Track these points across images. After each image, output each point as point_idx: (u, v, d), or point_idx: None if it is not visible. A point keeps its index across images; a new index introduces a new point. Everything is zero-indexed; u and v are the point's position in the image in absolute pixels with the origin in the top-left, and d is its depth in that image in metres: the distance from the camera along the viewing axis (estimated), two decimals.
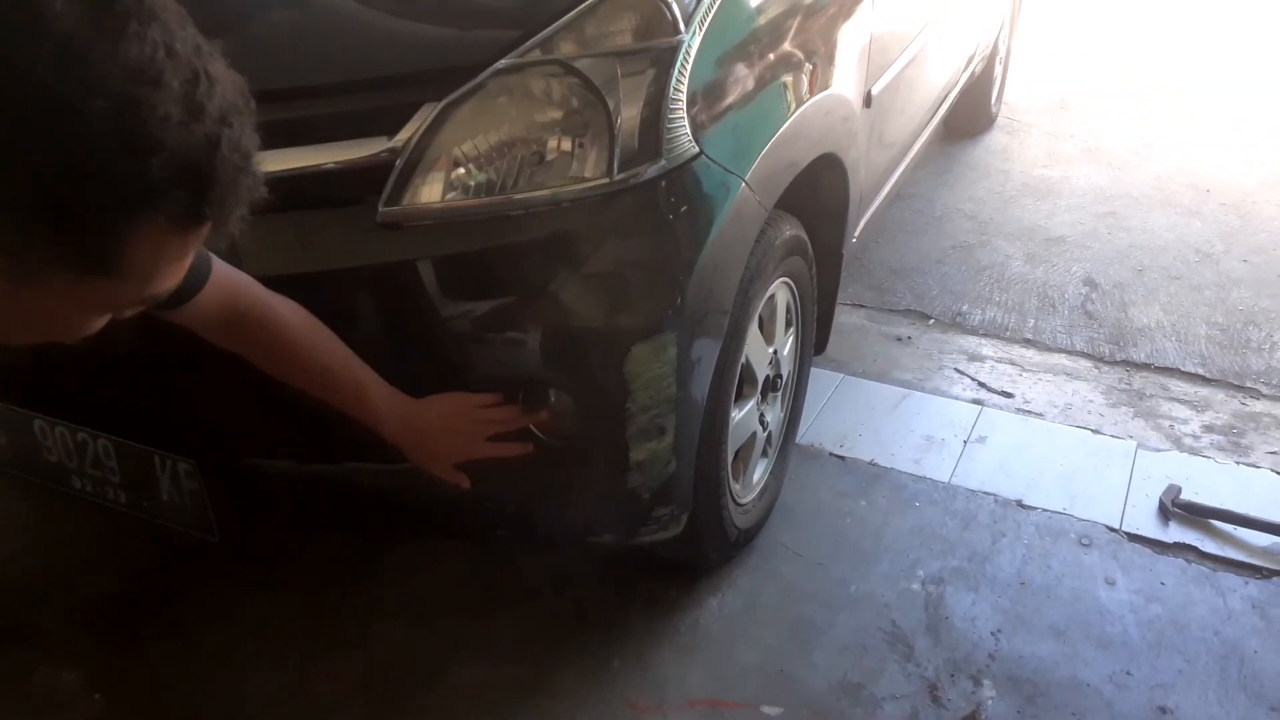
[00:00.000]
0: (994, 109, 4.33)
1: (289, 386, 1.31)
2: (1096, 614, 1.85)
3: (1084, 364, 2.68)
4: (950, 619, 1.83)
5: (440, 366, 1.39)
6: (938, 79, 2.93)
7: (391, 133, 1.33)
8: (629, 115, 1.33)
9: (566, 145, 1.34)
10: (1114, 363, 2.68)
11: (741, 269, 1.54)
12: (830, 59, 1.80)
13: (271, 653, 1.75)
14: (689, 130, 1.39)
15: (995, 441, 2.32)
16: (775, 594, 1.89)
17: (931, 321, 2.89)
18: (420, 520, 1.59)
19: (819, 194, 1.93)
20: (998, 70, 4.22)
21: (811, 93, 1.70)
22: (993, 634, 1.80)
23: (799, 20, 1.67)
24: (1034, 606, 1.86)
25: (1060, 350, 2.74)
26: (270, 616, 1.83)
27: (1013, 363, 2.67)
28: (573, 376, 1.38)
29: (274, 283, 1.30)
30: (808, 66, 1.69)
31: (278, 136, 1.44)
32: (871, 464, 2.24)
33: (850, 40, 1.89)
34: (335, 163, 1.35)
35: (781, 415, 2.02)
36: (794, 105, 1.64)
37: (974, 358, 2.69)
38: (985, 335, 2.81)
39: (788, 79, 1.63)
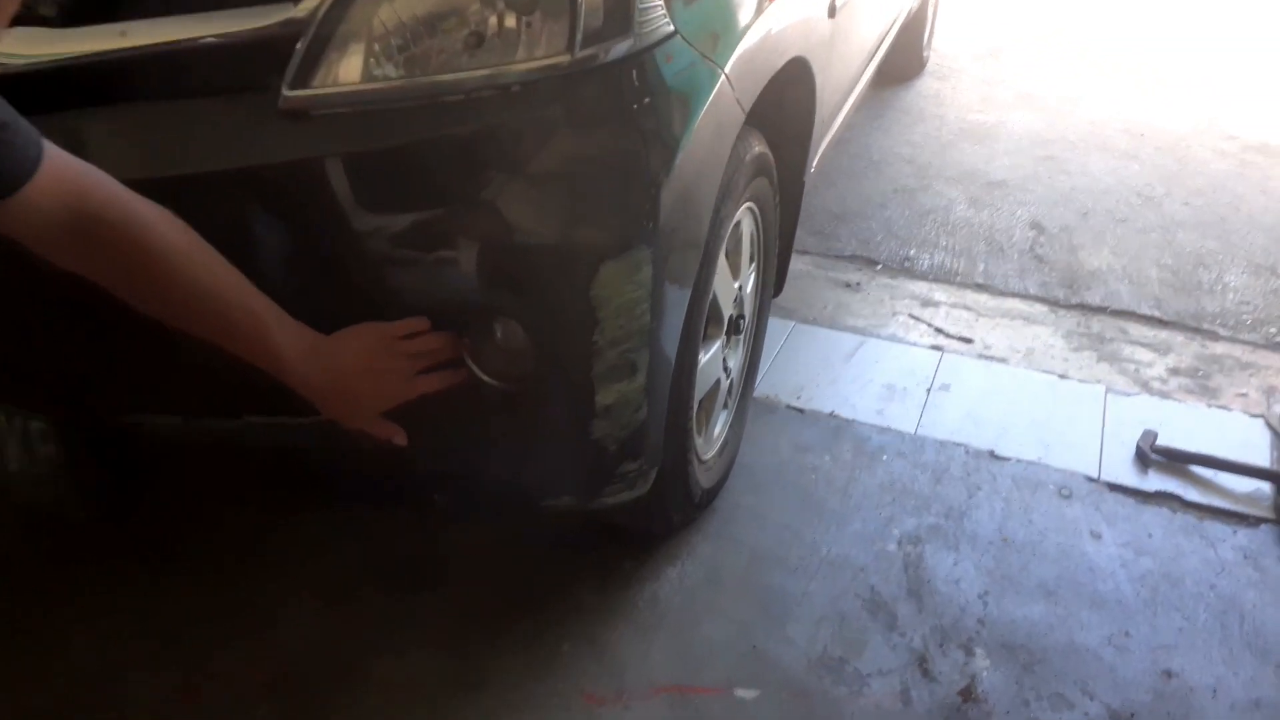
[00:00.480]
0: (925, 53, 4.19)
1: (164, 322, 1.03)
2: (1086, 570, 1.70)
3: (1039, 308, 2.54)
4: (933, 582, 1.66)
5: (357, 296, 1.13)
6: (886, 5, 2.75)
7: None
8: None
9: (513, 17, 1.09)
10: (1069, 306, 2.55)
11: (718, 182, 1.31)
12: None
13: (155, 651, 1.47)
14: (663, 3, 1.16)
15: (960, 389, 2.16)
16: (740, 561, 1.68)
17: (879, 267, 2.71)
18: (337, 485, 1.33)
19: (783, 110, 1.71)
20: (929, 12, 4.07)
21: None
22: (980, 597, 1.64)
23: None
24: (1020, 565, 1.70)
25: (1014, 295, 2.60)
26: (154, 607, 1.54)
27: (967, 308, 2.52)
28: (528, 304, 1.13)
29: (142, 189, 1.02)
30: None
31: (152, 3, 1.17)
32: (832, 415, 2.05)
33: None
34: (223, 35, 1.07)
35: (742, 362, 1.81)
36: None
37: (927, 303, 2.53)
38: (936, 281, 2.66)
39: None
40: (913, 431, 2.02)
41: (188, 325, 1.02)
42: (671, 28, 1.17)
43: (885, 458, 1.94)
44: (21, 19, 1.09)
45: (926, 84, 4.15)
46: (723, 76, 1.27)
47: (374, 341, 1.10)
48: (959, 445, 1.98)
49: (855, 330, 2.37)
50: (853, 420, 2.04)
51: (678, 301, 1.26)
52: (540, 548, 1.67)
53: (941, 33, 4.44)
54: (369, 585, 1.58)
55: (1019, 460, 1.95)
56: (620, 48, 1.12)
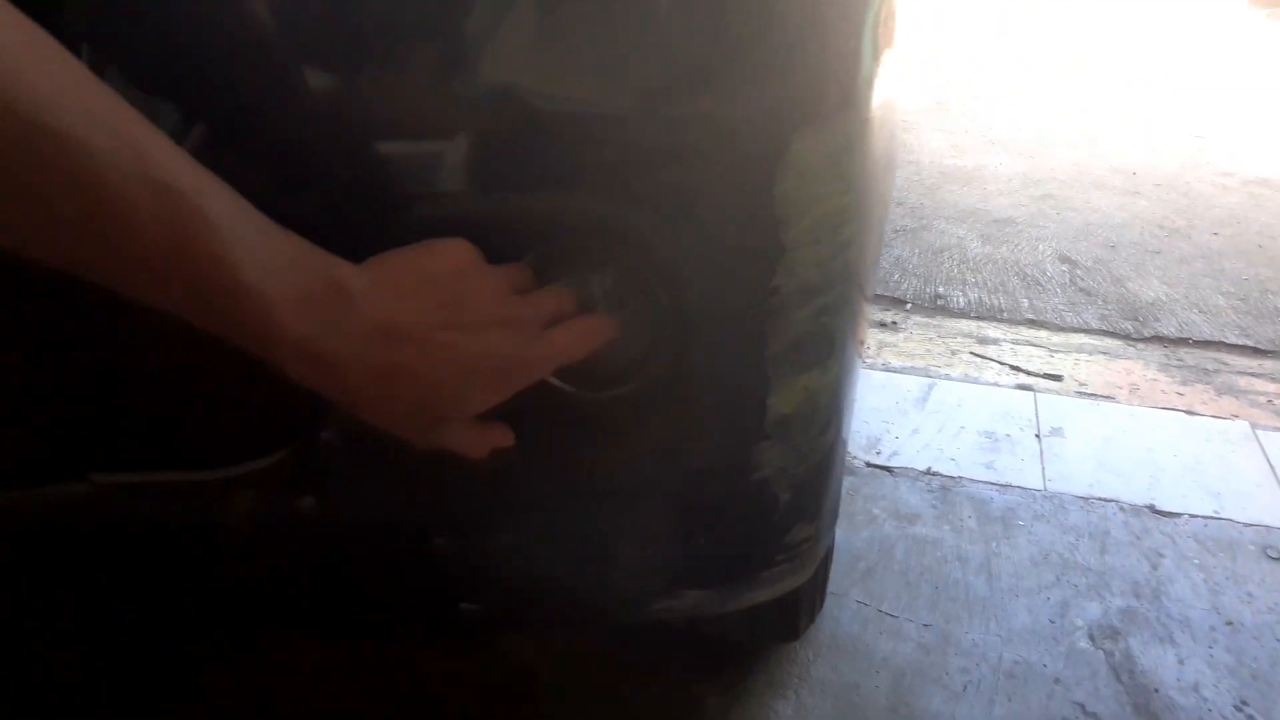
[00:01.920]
0: None
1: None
2: None
3: (1113, 342, 2.11)
4: (1163, 692, 1.13)
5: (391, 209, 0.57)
6: None
7: None
8: None
9: None
10: (1145, 339, 2.13)
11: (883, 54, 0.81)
12: None
13: None
14: None
15: (1075, 433, 1.68)
16: (879, 684, 1.13)
17: (909, 305, 2.25)
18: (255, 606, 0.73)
19: None
20: None
21: None
22: (1238, 709, 1.12)
23: None
24: (1269, 658, 1.19)
25: (1077, 330, 2.16)
26: None
27: (1032, 344, 2.07)
28: (661, 216, 0.59)
29: None
30: None
31: None
32: (930, 473, 1.54)
33: None
34: None
35: None
36: None
37: (984, 340, 2.07)
38: (980, 318, 2.20)
39: None
40: (1042, 487, 1.51)
41: (58, 246, 0.42)
42: None
43: (1022, 523, 1.43)
44: None
45: None
46: None
47: (456, 278, 0.53)
48: (1108, 501, 1.48)
49: (916, 372, 1.89)
50: (959, 478, 1.53)
51: (881, 225, 0.74)
52: (566, 678, 1.08)
53: None
54: None
55: (1191, 516, 1.46)
56: None
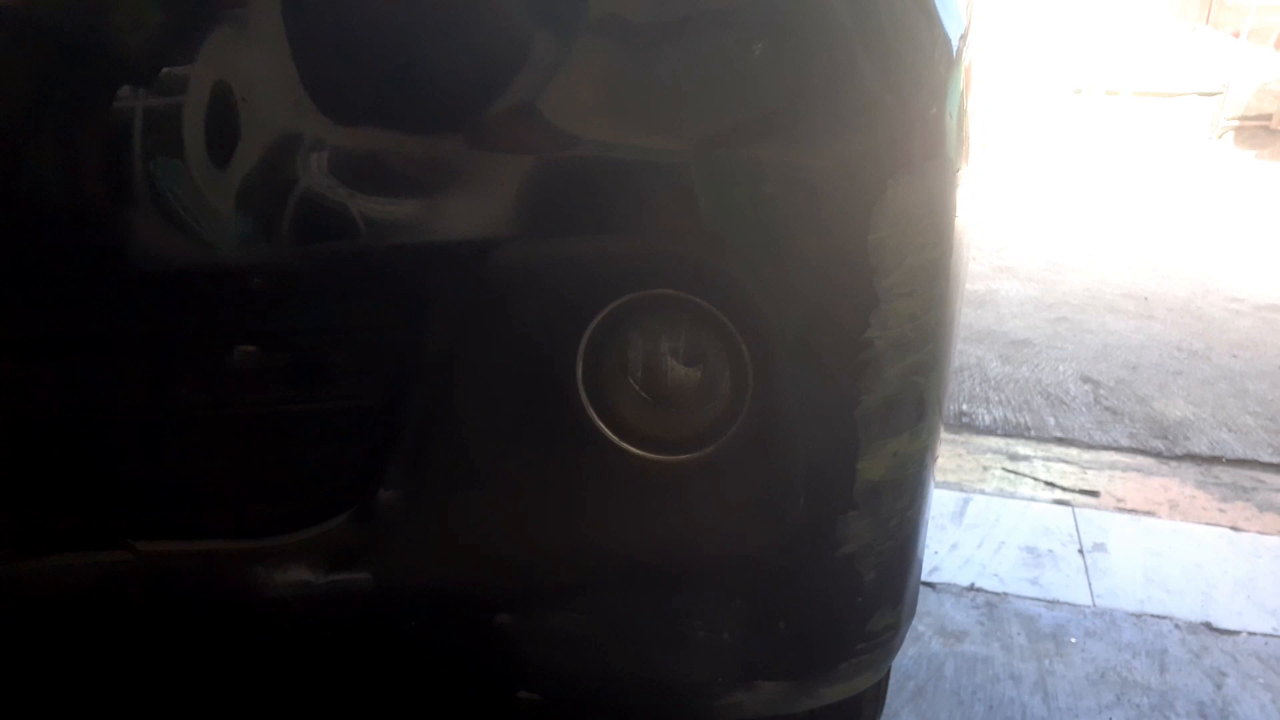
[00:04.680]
0: None
1: None
2: None
3: (1145, 460, 2.06)
4: None
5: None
6: None
7: None
8: None
9: None
10: (1178, 457, 2.08)
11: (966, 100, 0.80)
12: None
13: None
14: None
15: (1118, 548, 1.61)
16: None
17: None
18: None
19: None
20: None
21: None
22: None
23: None
24: None
25: (1107, 447, 2.12)
26: None
27: (1064, 461, 2.02)
28: (746, 270, 0.56)
29: None
30: None
31: None
32: (974, 589, 1.47)
33: None
34: None
35: None
36: None
37: (1014, 457, 2.02)
38: (1007, 435, 2.17)
39: None
40: (1090, 603, 1.44)
41: None
42: None
43: (1074, 640, 1.35)
44: None
45: None
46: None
47: None
48: (1161, 618, 1.41)
49: (950, 486, 1.83)
50: (1004, 594, 1.46)
51: (961, 282, 0.71)
52: None
53: None
54: None
55: (1251, 633, 1.38)
56: None
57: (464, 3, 0.53)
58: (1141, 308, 3.27)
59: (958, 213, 0.61)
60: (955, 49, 0.59)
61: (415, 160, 0.55)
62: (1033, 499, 1.79)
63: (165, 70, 0.52)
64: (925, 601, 1.44)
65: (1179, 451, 2.12)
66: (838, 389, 0.58)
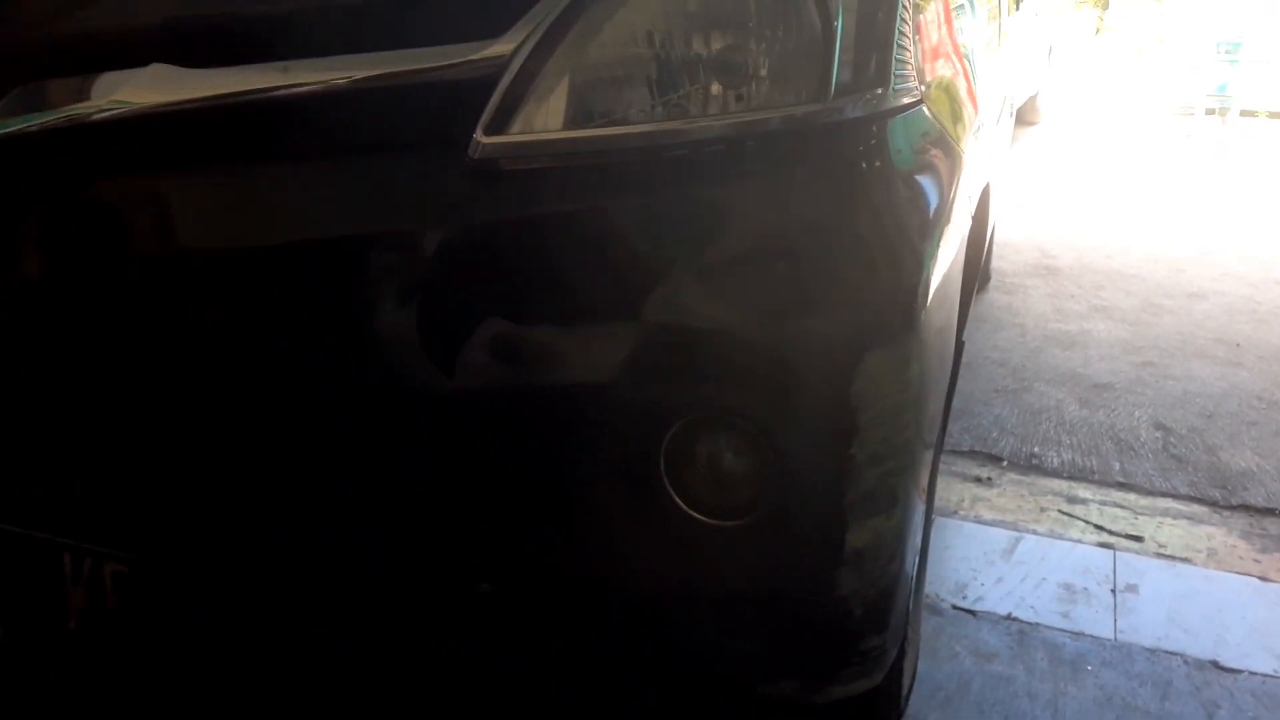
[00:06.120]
0: (989, 268, 4.12)
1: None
2: None
3: (1199, 508, 2.24)
4: None
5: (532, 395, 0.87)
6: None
7: (498, 32, 0.87)
8: (853, 24, 0.90)
9: (758, 56, 0.89)
10: (1232, 507, 2.26)
11: (961, 266, 1.08)
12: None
13: None
14: (915, 68, 0.97)
15: (1149, 591, 1.83)
16: None
17: (1005, 463, 2.44)
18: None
19: None
20: (989, 231, 4.04)
21: (989, 95, 1.32)
22: None
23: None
24: None
25: (1165, 494, 2.31)
26: None
27: (1119, 505, 2.23)
28: (766, 408, 0.86)
29: (303, 252, 0.79)
30: (989, 55, 1.31)
31: (318, 35, 0.97)
32: (1010, 618, 1.72)
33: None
34: (405, 75, 0.87)
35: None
36: (979, 107, 1.24)
37: (1073, 500, 2.24)
38: (1072, 478, 2.38)
39: (980, 59, 1.24)
40: (1112, 637, 1.67)
41: None
42: (919, 95, 0.99)
43: (1090, 667, 1.59)
44: (157, 56, 0.91)
45: (994, 297, 4.04)
46: (962, 159, 1.07)
47: None
48: (1173, 654, 1.63)
49: (1005, 525, 2.07)
50: (1036, 624, 1.70)
51: (937, 409, 0.99)
52: None
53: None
54: None
55: (1252, 673, 1.60)
56: (876, 101, 0.92)
57: None
58: (1231, 354, 3.37)
59: (926, 366, 0.90)
60: (924, 255, 0.87)
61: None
62: (1079, 541, 2.02)
63: None
64: (965, 627, 1.69)
65: (1234, 502, 2.29)
66: (830, 486, 0.88)
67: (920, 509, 1.01)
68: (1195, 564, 1.95)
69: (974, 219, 1.35)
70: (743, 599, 0.93)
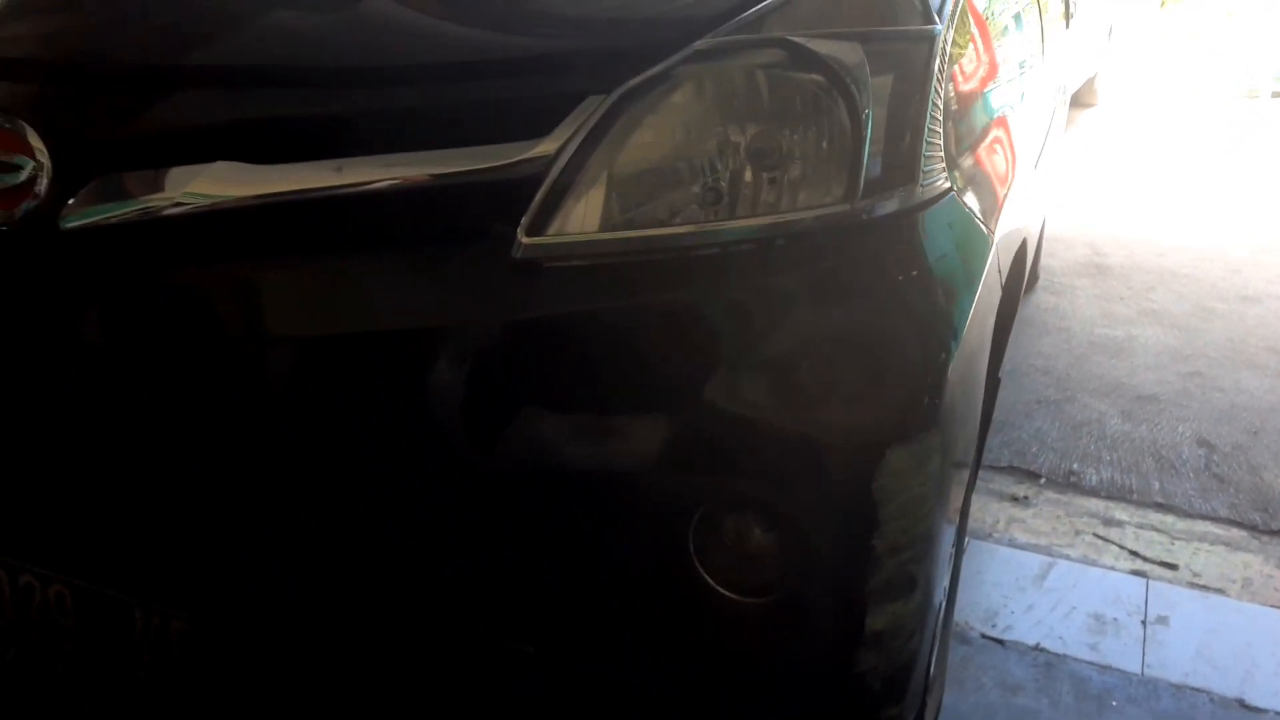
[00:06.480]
0: (1037, 268, 4.09)
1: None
2: None
3: (1238, 533, 2.25)
4: None
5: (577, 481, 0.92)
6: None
7: (540, 134, 0.92)
8: (883, 119, 0.94)
9: (788, 157, 0.93)
10: (1272, 532, 2.26)
11: (986, 359, 1.11)
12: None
13: None
14: (945, 156, 1.00)
15: (1180, 623, 1.86)
16: None
17: (1043, 480, 2.46)
18: None
19: None
20: (1038, 230, 4.01)
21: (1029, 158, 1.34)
22: None
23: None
24: None
25: (1204, 517, 2.32)
26: None
27: (1155, 529, 2.24)
28: (792, 498, 0.91)
29: (351, 344, 0.85)
30: (1031, 123, 1.33)
31: (370, 135, 1.03)
32: (1038, 649, 1.76)
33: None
34: (451, 174, 0.93)
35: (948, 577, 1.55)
36: (1017, 163, 1.27)
37: (1109, 522, 2.26)
38: (1110, 498, 2.39)
39: (1019, 130, 1.27)
40: (1140, 672, 1.70)
41: None
42: (948, 184, 1.02)
43: (1115, 703, 1.63)
44: (220, 154, 0.97)
45: (1042, 298, 4.02)
46: (994, 245, 1.10)
47: None
48: (1199, 691, 1.66)
49: (1038, 549, 2.10)
50: (1064, 655, 1.74)
51: (956, 497, 1.03)
52: None
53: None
54: None
55: (1277, 713, 1.62)
56: (904, 198, 0.95)
57: None
58: None
59: (946, 461, 0.94)
60: (950, 350, 0.91)
61: None
62: (1112, 568, 2.04)
63: None
64: (993, 656, 1.73)
65: (1275, 526, 2.29)
66: (851, 574, 0.93)
67: (951, 539, 1.05)
68: (1229, 595, 1.97)
69: (1009, 274, 1.38)
70: (765, 672, 0.99)
